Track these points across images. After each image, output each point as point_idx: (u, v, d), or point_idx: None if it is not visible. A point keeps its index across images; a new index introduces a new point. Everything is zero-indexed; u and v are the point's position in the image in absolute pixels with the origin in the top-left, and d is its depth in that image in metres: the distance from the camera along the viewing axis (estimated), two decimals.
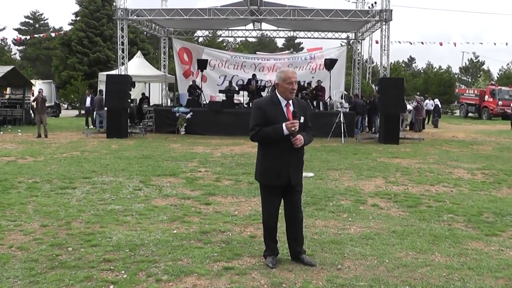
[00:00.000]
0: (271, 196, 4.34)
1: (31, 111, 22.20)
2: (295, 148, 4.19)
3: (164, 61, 23.82)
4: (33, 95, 22.10)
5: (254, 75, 20.09)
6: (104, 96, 17.71)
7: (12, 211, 6.17)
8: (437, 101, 26.67)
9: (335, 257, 4.59)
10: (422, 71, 58.57)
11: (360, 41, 23.34)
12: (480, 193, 7.85)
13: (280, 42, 62.60)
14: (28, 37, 50.21)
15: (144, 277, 4.07)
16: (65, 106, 38.89)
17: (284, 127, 4.10)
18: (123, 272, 4.15)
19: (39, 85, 24.73)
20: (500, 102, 32.65)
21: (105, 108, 17.57)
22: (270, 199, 4.34)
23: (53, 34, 48.24)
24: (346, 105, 18.08)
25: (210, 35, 30.04)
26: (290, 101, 4.28)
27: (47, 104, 18.31)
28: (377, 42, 20.59)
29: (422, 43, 51.26)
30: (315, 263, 4.38)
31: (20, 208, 6.29)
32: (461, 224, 5.90)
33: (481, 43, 78.23)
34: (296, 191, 4.37)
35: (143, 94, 22.49)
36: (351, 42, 24.16)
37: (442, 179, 9.02)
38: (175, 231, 5.36)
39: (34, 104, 17.45)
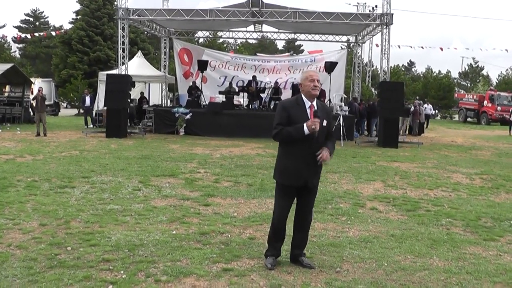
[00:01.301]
0: (286, 196, 4.35)
1: (30, 110, 22.18)
2: (314, 150, 4.19)
3: (165, 61, 23.82)
4: (32, 93, 22.08)
5: (254, 77, 20.10)
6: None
7: (10, 209, 6.16)
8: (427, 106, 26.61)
9: (334, 260, 4.60)
10: (421, 75, 58.65)
11: (360, 44, 23.40)
12: (478, 198, 7.87)
13: (280, 44, 62.62)
14: (28, 35, 50.08)
15: (143, 277, 4.07)
16: (64, 105, 38.91)
17: (305, 127, 4.13)
18: (122, 272, 4.16)
19: (38, 84, 24.75)
20: (499, 108, 32.74)
21: (105, 108, 17.54)
22: (285, 198, 4.35)
23: (53, 33, 48.15)
24: (346, 108, 18.12)
25: (210, 36, 30.05)
26: (314, 103, 4.31)
27: (46, 103, 18.28)
28: (377, 46, 20.68)
29: (422, 47, 51.04)
30: (314, 265, 4.39)
31: (19, 207, 6.28)
32: (459, 229, 5.92)
33: (481, 49, 78.31)
34: (312, 193, 4.40)
35: (141, 93, 22.48)
36: (351, 45, 24.21)
37: (441, 184, 9.04)
38: (174, 232, 5.36)
39: (33, 102, 17.42)
